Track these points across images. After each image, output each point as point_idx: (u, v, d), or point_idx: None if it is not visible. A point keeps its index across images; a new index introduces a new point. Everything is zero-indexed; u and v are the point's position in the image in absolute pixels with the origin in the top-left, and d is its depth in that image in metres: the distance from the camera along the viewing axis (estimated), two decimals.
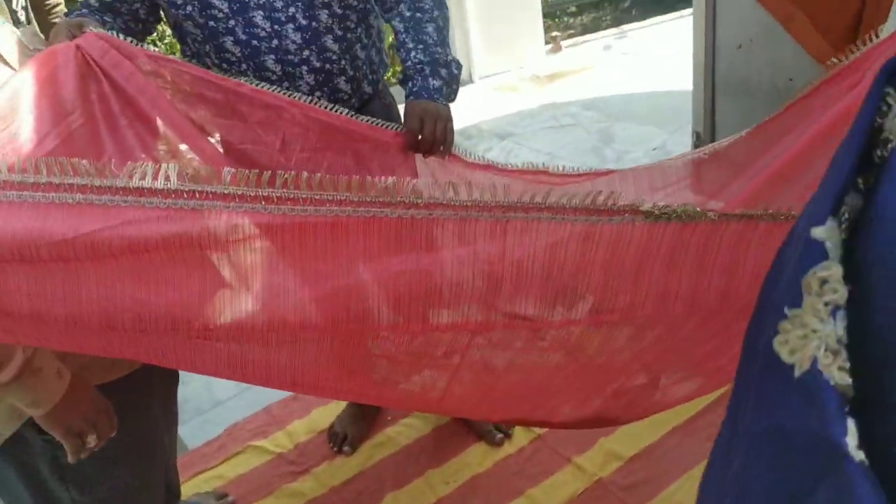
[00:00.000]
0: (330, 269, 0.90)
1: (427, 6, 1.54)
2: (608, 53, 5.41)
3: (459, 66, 1.55)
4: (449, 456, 2.00)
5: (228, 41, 1.47)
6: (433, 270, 0.95)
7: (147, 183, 0.80)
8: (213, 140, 1.44)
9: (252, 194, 0.82)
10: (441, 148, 1.47)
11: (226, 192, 0.81)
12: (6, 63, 1.20)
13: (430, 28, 1.52)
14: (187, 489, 1.94)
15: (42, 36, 1.39)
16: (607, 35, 5.88)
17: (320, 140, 1.46)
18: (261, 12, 1.44)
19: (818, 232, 0.29)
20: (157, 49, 1.39)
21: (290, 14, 1.44)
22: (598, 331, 1.08)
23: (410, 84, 1.49)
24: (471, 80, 5.04)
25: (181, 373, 2.32)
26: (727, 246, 0.91)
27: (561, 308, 1.02)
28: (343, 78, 1.54)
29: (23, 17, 2.39)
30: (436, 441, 2.06)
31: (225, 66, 1.50)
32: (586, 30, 6.49)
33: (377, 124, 1.47)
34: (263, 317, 0.95)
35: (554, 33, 5.77)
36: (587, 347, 1.10)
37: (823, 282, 0.28)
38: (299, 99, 1.41)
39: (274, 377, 1.07)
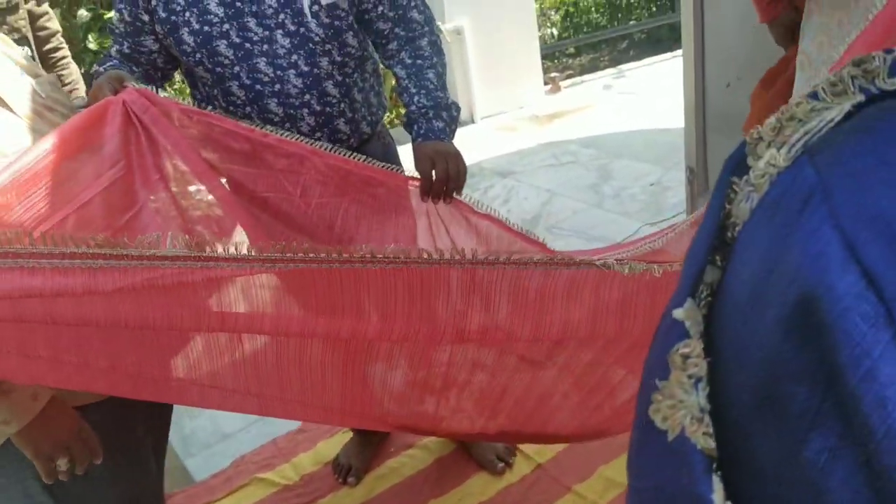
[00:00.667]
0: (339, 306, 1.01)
1: (427, 53, 1.63)
2: (606, 93, 5.53)
3: (458, 109, 1.64)
4: (451, 486, 2.03)
5: (234, 85, 1.56)
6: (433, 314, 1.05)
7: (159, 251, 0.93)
8: (235, 188, 1.54)
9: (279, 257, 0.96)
10: (454, 187, 1.51)
11: (248, 255, 0.96)
12: (9, 109, 1.28)
13: (430, 74, 1.60)
14: None
15: (60, 87, 1.49)
16: (605, 75, 6.02)
17: (339, 187, 1.54)
18: (264, 59, 1.53)
19: (678, 313, 0.33)
20: (187, 102, 1.49)
21: (293, 61, 1.54)
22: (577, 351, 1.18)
23: (416, 127, 1.57)
24: (472, 121, 5.16)
25: (189, 407, 2.37)
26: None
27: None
28: (342, 119, 1.63)
29: None
30: (438, 471, 2.10)
31: (231, 108, 1.60)
32: (584, 70, 6.63)
33: (392, 169, 1.54)
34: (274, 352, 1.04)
35: (552, 74, 5.90)
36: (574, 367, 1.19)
37: (685, 357, 0.32)
38: (320, 147, 1.49)
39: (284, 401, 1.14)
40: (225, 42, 1.52)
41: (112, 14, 3.88)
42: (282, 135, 1.49)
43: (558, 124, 4.96)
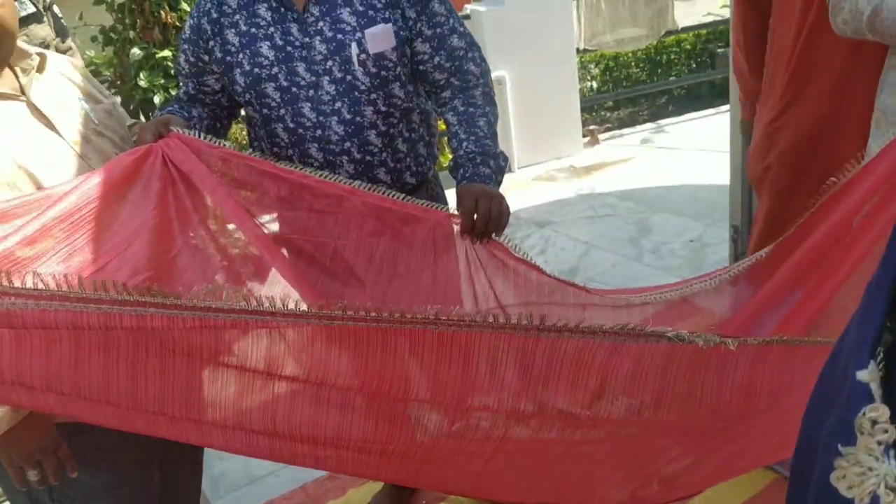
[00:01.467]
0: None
1: (480, 102, 1.63)
2: (645, 147, 5.53)
3: (506, 160, 1.63)
4: None
5: (279, 128, 1.59)
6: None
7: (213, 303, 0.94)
8: (273, 234, 1.55)
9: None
10: (496, 227, 1.50)
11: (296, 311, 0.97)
12: (57, 132, 1.33)
13: (481, 122, 1.61)
14: None
15: (117, 113, 1.53)
16: (644, 129, 6.03)
17: (376, 226, 1.54)
18: (309, 104, 1.56)
19: (862, 375, 0.31)
20: (231, 146, 1.52)
21: (336, 108, 1.56)
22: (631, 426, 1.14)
23: (462, 171, 1.56)
24: (510, 170, 5.17)
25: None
26: (743, 367, 1.04)
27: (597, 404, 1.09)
28: (383, 169, 1.63)
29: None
30: None
31: (276, 149, 1.62)
32: (623, 124, 6.65)
33: (430, 206, 1.54)
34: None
35: (591, 126, 5.93)
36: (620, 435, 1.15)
37: (874, 422, 0.31)
38: (359, 187, 1.50)
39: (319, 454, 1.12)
40: (273, 85, 1.55)
41: (164, 52, 3.99)
42: (321, 176, 1.50)
43: (596, 176, 4.96)
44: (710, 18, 7.33)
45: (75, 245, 1.23)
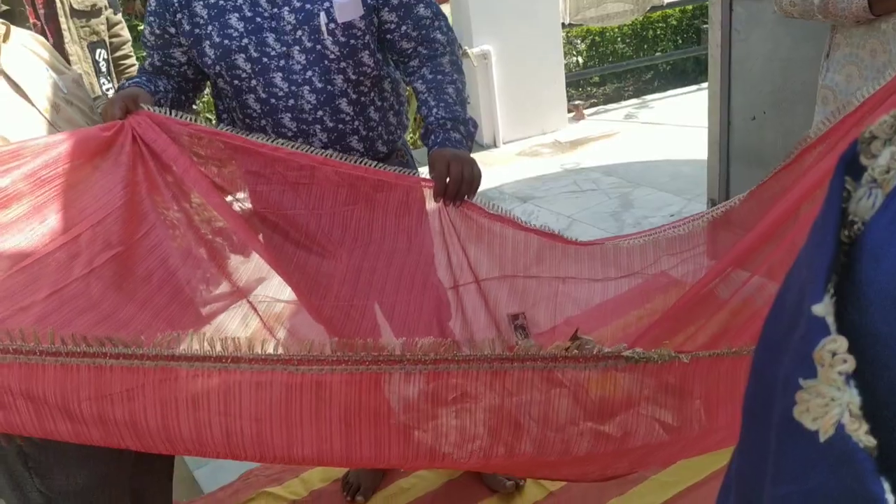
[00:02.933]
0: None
1: (447, 70, 1.65)
2: (630, 122, 5.54)
3: (476, 125, 1.65)
4: None
5: (251, 98, 1.60)
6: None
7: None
8: (248, 211, 1.57)
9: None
10: (468, 190, 1.53)
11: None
12: (28, 101, 1.35)
13: (450, 89, 1.62)
14: None
15: (83, 84, 1.55)
16: (629, 105, 6.03)
17: (350, 195, 1.56)
18: (280, 74, 1.57)
19: (818, 309, 0.32)
20: (202, 122, 1.53)
21: (307, 77, 1.57)
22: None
23: (433, 136, 1.58)
24: (495, 145, 5.18)
25: None
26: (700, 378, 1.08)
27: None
28: (356, 137, 1.65)
29: (104, 68, 2.61)
30: (447, 494, 2.08)
31: (248, 120, 1.63)
32: (608, 99, 6.65)
33: (402, 172, 1.56)
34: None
35: (576, 102, 5.93)
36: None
37: (833, 353, 0.31)
38: (331, 156, 1.51)
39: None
40: (243, 56, 1.56)
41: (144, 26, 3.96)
42: (293, 147, 1.51)
43: (581, 151, 4.97)
44: None
45: (46, 212, 1.24)
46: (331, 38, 1.56)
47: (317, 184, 1.54)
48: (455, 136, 1.57)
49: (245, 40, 1.55)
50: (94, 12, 2.66)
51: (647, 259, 1.72)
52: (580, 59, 7.16)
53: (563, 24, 5.56)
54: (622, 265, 1.68)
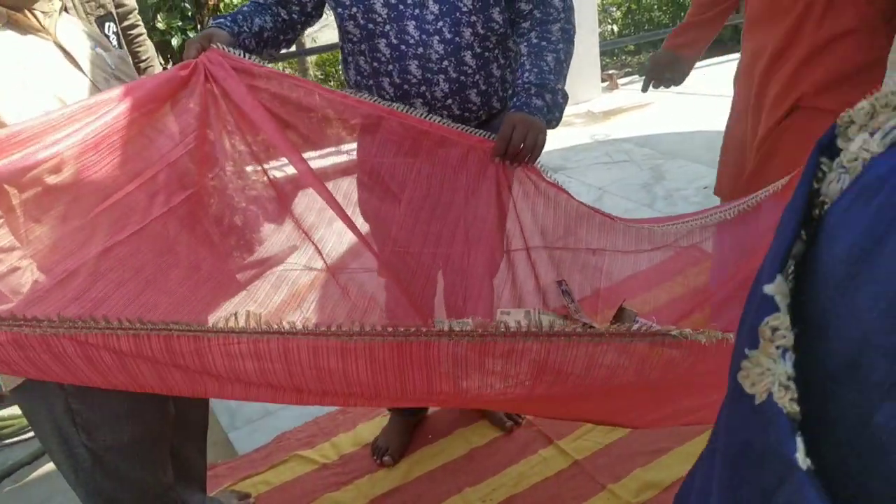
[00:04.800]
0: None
1: (554, 38, 1.65)
2: (664, 92, 5.44)
3: (566, 97, 1.65)
4: (486, 475, 2.06)
5: (382, 43, 1.64)
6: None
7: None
8: (312, 154, 1.63)
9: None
10: (528, 157, 1.55)
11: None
12: (84, 73, 1.41)
13: (549, 57, 1.63)
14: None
15: (129, 61, 1.58)
16: None
17: (413, 147, 1.61)
18: (413, 22, 1.60)
19: (769, 288, 0.36)
20: (272, 66, 1.58)
21: (438, 27, 1.60)
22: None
23: (515, 99, 1.60)
24: None
25: None
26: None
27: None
28: (475, 91, 1.68)
29: (114, 42, 2.60)
30: (474, 460, 2.12)
31: (375, 64, 1.67)
32: (644, 69, 6.54)
33: (467, 131, 1.60)
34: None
35: (611, 71, 5.85)
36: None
37: (774, 329, 0.35)
38: (396, 108, 1.57)
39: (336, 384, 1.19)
40: (381, 1, 1.60)
41: None
42: (360, 96, 1.57)
43: (614, 122, 4.93)
44: None
45: (129, 152, 1.35)
46: None
47: (382, 132, 1.60)
48: (537, 102, 1.57)
49: None
50: None
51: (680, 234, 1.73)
52: (615, 28, 7.05)
53: None
54: (656, 240, 1.70)
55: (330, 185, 1.64)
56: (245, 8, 1.67)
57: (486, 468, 2.08)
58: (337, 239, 1.69)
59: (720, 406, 0.50)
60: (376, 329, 1.00)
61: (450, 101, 1.66)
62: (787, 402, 0.34)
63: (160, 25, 4.02)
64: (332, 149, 1.66)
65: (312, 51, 5.96)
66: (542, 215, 1.67)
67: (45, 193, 1.24)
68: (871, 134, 0.34)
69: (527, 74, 1.61)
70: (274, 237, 1.67)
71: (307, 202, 1.68)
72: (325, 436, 2.27)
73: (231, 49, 1.50)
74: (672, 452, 2.05)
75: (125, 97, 1.35)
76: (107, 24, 2.57)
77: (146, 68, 2.79)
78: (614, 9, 7.07)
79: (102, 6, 2.59)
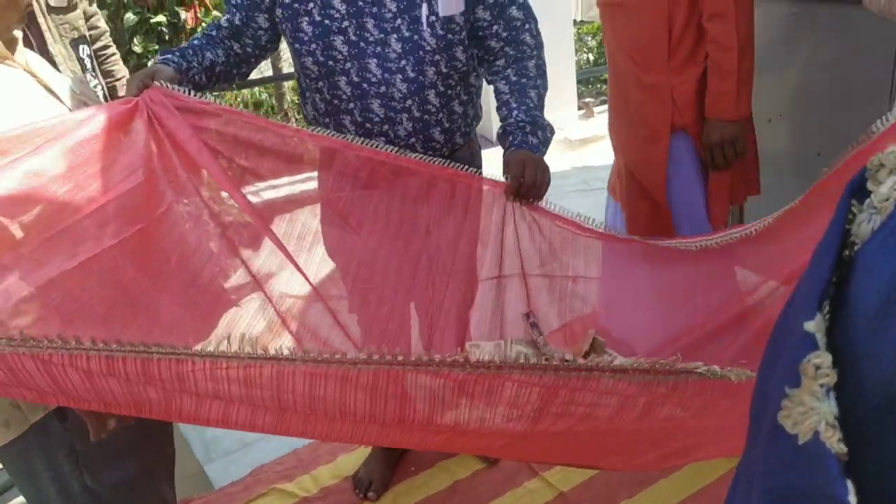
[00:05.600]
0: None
1: (532, 73, 1.66)
2: None
3: (553, 131, 1.66)
4: None
5: (342, 81, 1.60)
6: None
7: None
8: (261, 185, 1.58)
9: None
10: (537, 195, 1.56)
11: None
12: (62, 102, 1.37)
13: (532, 93, 1.64)
14: None
15: (88, 82, 1.55)
16: None
17: (370, 179, 1.58)
18: (375, 60, 1.58)
19: (809, 326, 0.35)
20: (219, 102, 1.52)
21: (401, 66, 1.58)
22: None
23: (511, 138, 1.60)
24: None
25: None
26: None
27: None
28: (438, 129, 1.67)
29: (88, 65, 2.55)
30: (457, 493, 2.09)
31: (336, 102, 1.63)
32: None
33: (424, 160, 1.57)
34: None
35: (587, 99, 5.91)
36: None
37: (817, 367, 0.34)
38: (352, 141, 1.54)
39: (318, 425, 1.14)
40: (342, 38, 1.57)
41: (158, 18, 3.96)
42: (314, 130, 1.52)
43: (590, 149, 4.96)
44: None
45: (81, 180, 1.28)
46: (429, 31, 1.57)
47: (337, 165, 1.57)
48: (533, 140, 1.58)
49: (346, 22, 1.56)
50: (71, 7, 2.54)
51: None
52: (590, 56, 7.14)
53: (574, 21, 5.55)
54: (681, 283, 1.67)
55: (287, 217, 1.61)
56: (195, 41, 1.63)
57: (471, 501, 2.05)
58: (316, 268, 1.67)
59: (743, 447, 0.49)
60: (383, 356, 0.95)
61: (413, 139, 1.64)
62: (835, 442, 0.33)
63: (137, 49, 3.99)
64: (286, 180, 1.61)
65: (289, 76, 5.94)
66: (527, 241, 1.65)
67: None
68: None
69: (516, 113, 1.61)
70: (252, 262, 1.64)
71: (285, 229, 1.66)
72: (304, 468, 2.22)
73: (176, 87, 1.45)
74: (657, 484, 2.03)
75: (79, 126, 1.30)
76: (80, 47, 2.53)
77: (119, 88, 2.74)
78: (590, 38, 7.16)
79: (76, 28, 2.55)
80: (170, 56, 1.56)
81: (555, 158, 4.98)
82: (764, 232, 1.40)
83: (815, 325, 0.35)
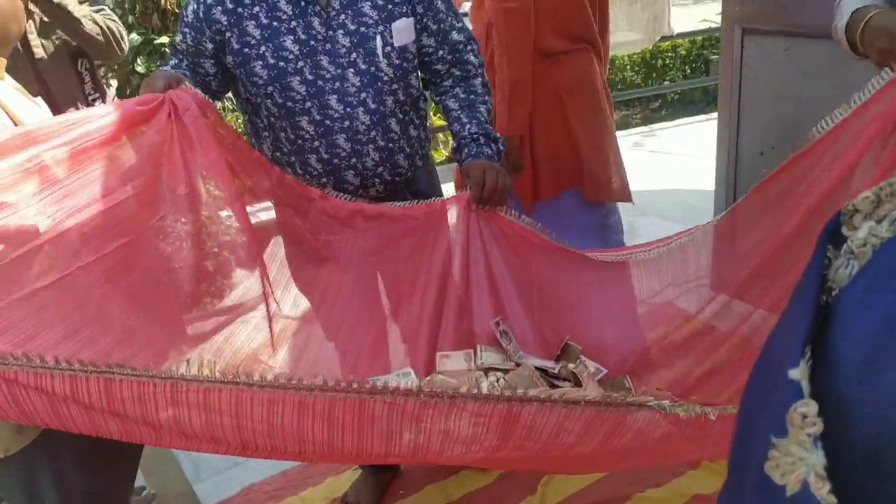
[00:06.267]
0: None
1: (479, 91, 1.75)
2: (637, 150, 5.57)
3: (504, 143, 1.76)
4: None
5: (304, 120, 1.62)
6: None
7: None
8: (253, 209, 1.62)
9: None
10: (500, 200, 1.63)
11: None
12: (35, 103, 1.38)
13: (482, 108, 1.73)
14: None
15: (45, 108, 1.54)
16: (636, 132, 6.06)
17: (343, 225, 1.68)
18: (335, 96, 1.59)
19: (794, 374, 0.35)
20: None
21: (362, 98, 1.61)
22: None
23: (467, 150, 1.67)
24: None
25: None
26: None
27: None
28: (402, 155, 1.72)
29: (87, 78, 2.51)
30: None
31: (300, 142, 1.64)
32: (616, 127, 6.67)
33: (394, 205, 1.68)
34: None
35: None
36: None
37: (804, 416, 0.34)
38: (327, 192, 1.64)
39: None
40: (298, 78, 1.57)
41: (162, 39, 4.01)
42: (300, 180, 1.63)
43: None
44: (705, 25, 7.36)
45: (86, 179, 1.29)
46: (386, 61, 1.61)
47: (312, 212, 1.65)
48: (487, 150, 1.67)
49: (301, 63, 1.57)
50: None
51: (653, 288, 1.77)
52: None
53: None
54: (635, 289, 1.73)
55: (273, 240, 1.68)
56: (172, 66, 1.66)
57: None
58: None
59: (721, 492, 0.48)
60: (339, 384, 0.98)
61: (381, 168, 1.68)
62: (825, 493, 0.32)
63: (140, 68, 4.03)
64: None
65: None
66: (493, 249, 1.70)
67: None
68: (878, 221, 0.34)
69: (468, 126, 1.69)
70: (245, 282, 1.66)
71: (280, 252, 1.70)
72: (293, 489, 2.21)
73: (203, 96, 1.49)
74: (635, 497, 2.03)
75: (87, 121, 1.29)
76: (79, 61, 2.49)
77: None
78: None
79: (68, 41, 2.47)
80: (176, 69, 1.60)
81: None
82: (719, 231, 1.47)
83: (798, 373, 0.34)
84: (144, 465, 2.35)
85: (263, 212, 1.68)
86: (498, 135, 1.73)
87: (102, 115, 1.32)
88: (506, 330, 1.66)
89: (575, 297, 1.76)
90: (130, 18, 4.13)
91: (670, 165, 5.03)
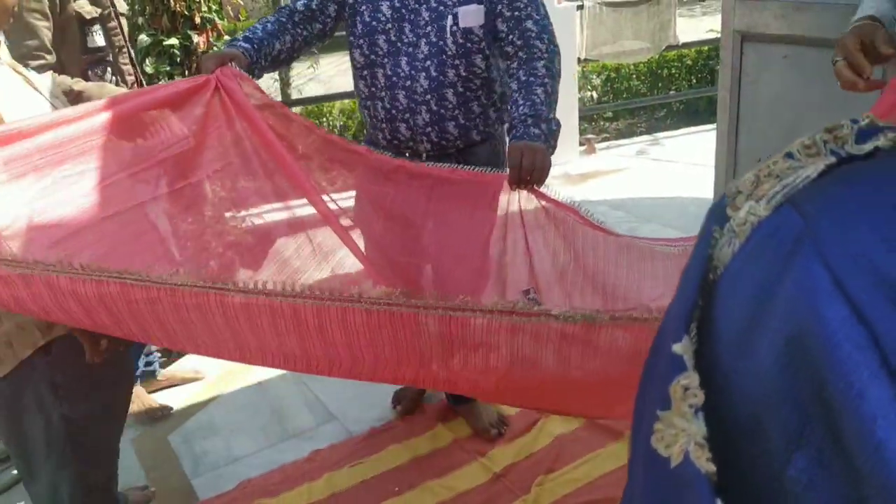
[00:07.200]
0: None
1: (540, 73, 1.82)
2: (640, 158, 5.59)
3: (559, 125, 1.79)
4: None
5: (379, 73, 1.93)
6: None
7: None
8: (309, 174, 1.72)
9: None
10: (537, 179, 1.66)
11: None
12: (41, 94, 1.49)
13: (539, 90, 1.79)
14: None
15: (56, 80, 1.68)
16: (641, 141, 6.09)
17: (388, 179, 1.79)
18: (406, 58, 1.89)
19: (678, 348, 0.36)
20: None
21: (426, 66, 1.87)
22: None
23: (514, 131, 1.75)
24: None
25: (203, 425, 2.41)
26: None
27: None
28: (453, 123, 1.93)
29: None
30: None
31: (373, 88, 1.96)
32: (621, 135, 6.71)
33: (443, 167, 1.76)
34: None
35: (589, 135, 5.98)
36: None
37: (686, 388, 0.34)
38: (382, 153, 1.77)
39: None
40: (384, 38, 1.90)
41: (171, 40, 4.04)
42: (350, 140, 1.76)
43: (590, 185, 5.02)
44: (711, 35, 7.38)
45: (125, 144, 1.46)
46: (451, 38, 1.84)
47: (360, 168, 1.78)
48: (534, 131, 1.71)
49: (389, 25, 1.89)
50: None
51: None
52: (594, 94, 7.24)
53: (578, 59, 5.65)
54: (658, 274, 1.78)
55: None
56: (268, 26, 1.85)
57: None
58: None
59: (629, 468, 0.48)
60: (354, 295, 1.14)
61: (430, 129, 1.92)
62: (704, 461, 0.33)
63: (149, 69, 4.07)
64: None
65: (299, 102, 6.05)
66: (532, 225, 1.73)
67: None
68: (757, 200, 0.36)
69: (521, 108, 1.76)
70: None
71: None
72: (290, 484, 2.23)
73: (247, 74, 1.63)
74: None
75: (140, 95, 1.50)
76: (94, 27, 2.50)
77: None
78: (594, 76, 7.27)
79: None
80: (244, 46, 1.75)
81: (554, 192, 5.01)
82: None
83: (682, 347, 0.35)
84: (144, 460, 2.38)
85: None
86: (552, 116, 1.77)
87: (153, 91, 1.54)
88: (535, 298, 1.68)
89: (612, 278, 1.77)
90: (140, 20, 4.18)
91: (673, 174, 5.05)
